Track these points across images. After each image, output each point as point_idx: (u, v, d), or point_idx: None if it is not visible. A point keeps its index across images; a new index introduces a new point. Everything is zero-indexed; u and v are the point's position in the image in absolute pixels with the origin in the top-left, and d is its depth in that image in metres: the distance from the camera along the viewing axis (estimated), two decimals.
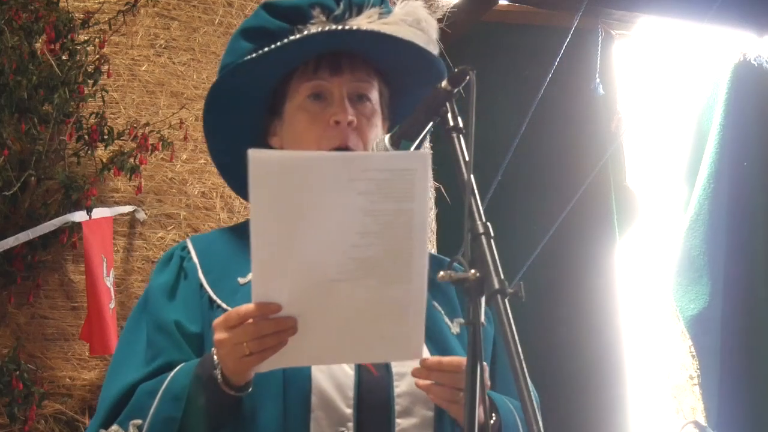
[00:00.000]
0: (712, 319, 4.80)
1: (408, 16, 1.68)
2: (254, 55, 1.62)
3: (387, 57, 1.67)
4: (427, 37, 1.69)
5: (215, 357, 1.44)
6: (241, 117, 1.66)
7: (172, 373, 1.51)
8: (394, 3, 1.74)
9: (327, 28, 1.62)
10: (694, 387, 4.77)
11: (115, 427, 1.51)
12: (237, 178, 1.75)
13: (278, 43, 1.61)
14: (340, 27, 1.62)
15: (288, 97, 1.66)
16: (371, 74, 1.66)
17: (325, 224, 1.32)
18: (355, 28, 1.62)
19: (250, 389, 1.47)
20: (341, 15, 1.66)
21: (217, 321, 1.41)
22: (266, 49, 1.62)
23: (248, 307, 1.36)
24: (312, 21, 1.64)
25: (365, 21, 1.66)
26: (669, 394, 4.83)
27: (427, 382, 1.46)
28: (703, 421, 4.71)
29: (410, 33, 1.66)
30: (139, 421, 1.49)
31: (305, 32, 1.64)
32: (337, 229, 1.32)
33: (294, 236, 1.32)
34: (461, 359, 1.44)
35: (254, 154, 1.29)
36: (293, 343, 1.38)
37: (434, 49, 1.70)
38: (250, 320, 1.36)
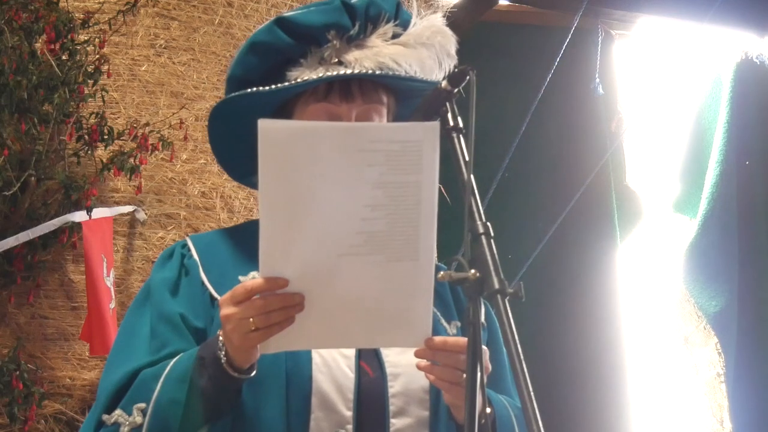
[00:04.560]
0: (731, 316, 4.82)
1: (422, 35, 1.67)
2: (268, 88, 1.60)
3: (396, 82, 1.66)
4: (444, 51, 1.68)
5: (220, 338, 1.44)
6: (245, 126, 1.65)
7: (175, 358, 1.51)
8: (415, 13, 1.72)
9: (342, 72, 1.60)
10: (722, 384, 4.78)
11: (118, 411, 1.50)
12: (241, 175, 1.75)
13: (293, 82, 1.60)
14: (350, 71, 1.60)
15: (295, 115, 1.65)
16: (380, 94, 1.65)
17: (335, 196, 1.31)
18: (366, 71, 1.60)
19: (253, 373, 1.46)
20: (356, 35, 1.64)
21: (224, 297, 1.41)
22: (280, 85, 1.60)
23: (255, 281, 1.36)
24: (326, 45, 1.63)
25: (380, 41, 1.65)
26: (698, 392, 4.85)
27: (428, 363, 1.46)
28: (728, 419, 4.72)
29: (422, 54, 1.65)
30: (143, 405, 1.48)
31: (317, 56, 1.62)
32: (346, 202, 1.31)
33: (303, 208, 1.31)
34: (465, 340, 1.44)
35: (263, 124, 1.28)
36: (300, 323, 1.37)
37: (451, 62, 1.69)
38: (257, 296, 1.36)
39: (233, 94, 1.64)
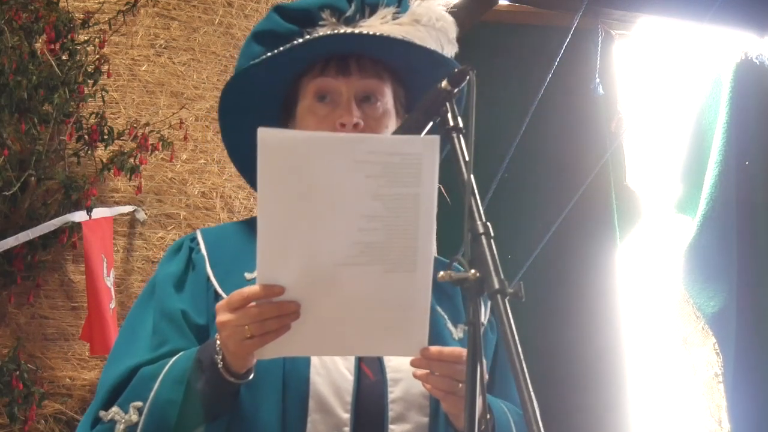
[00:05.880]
0: (730, 316, 4.82)
1: (422, 16, 1.67)
2: (258, 60, 1.63)
3: (396, 58, 1.66)
4: (445, 37, 1.68)
5: (218, 342, 1.44)
6: (257, 118, 1.66)
7: (174, 358, 1.51)
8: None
9: (329, 32, 1.62)
10: (719, 385, 4.77)
11: (115, 408, 1.50)
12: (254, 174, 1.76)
13: (281, 48, 1.62)
14: (339, 31, 1.62)
15: (299, 98, 1.66)
16: (382, 75, 1.65)
17: (333, 206, 1.31)
18: (356, 31, 1.62)
19: (251, 377, 1.46)
20: (352, 16, 1.65)
21: (220, 303, 1.41)
22: (269, 54, 1.62)
23: (252, 288, 1.36)
24: (321, 24, 1.64)
25: (378, 22, 1.65)
26: (696, 393, 4.84)
27: (425, 371, 1.45)
28: (726, 419, 4.72)
29: (421, 34, 1.65)
30: (140, 404, 1.49)
31: (313, 35, 1.64)
32: (344, 212, 1.32)
33: (301, 217, 1.32)
34: (462, 350, 1.44)
35: (263, 133, 1.29)
36: (296, 330, 1.37)
37: (452, 48, 1.69)
38: (253, 303, 1.36)
39: (231, 78, 1.66)
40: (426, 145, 1.31)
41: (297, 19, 1.66)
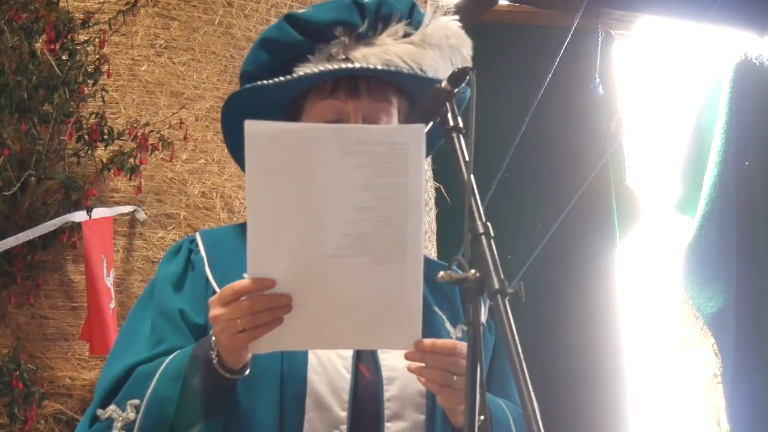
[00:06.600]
0: (729, 316, 4.82)
1: (433, 36, 1.67)
2: (269, 82, 1.63)
3: (404, 81, 1.66)
4: (458, 53, 1.68)
5: (212, 338, 1.45)
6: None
7: (171, 356, 1.52)
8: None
9: (335, 67, 1.61)
10: (718, 385, 4.78)
11: (112, 406, 1.51)
12: None
13: (294, 76, 1.62)
14: (352, 65, 1.61)
15: (305, 112, 1.66)
16: (389, 94, 1.65)
17: (322, 197, 1.32)
18: (363, 66, 1.61)
19: (246, 373, 1.47)
20: (365, 33, 1.65)
21: (212, 298, 1.42)
22: (281, 78, 1.62)
23: (242, 282, 1.37)
24: (334, 41, 1.64)
25: (390, 40, 1.65)
26: (694, 393, 4.85)
27: (419, 364, 1.45)
28: (725, 419, 4.73)
29: (432, 55, 1.65)
30: (137, 401, 1.49)
31: (325, 53, 1.63)
32: (333, 203, 1.32)
33: (290, 210, 1.32)
34: (455, 342, 1.44)
35: (250, 125, 1.29)
36: (288, 323, 1.37)
37: (465, 64, 1.68)
38: (245, 297, 1.36)
39: (236, 91, 1.66)
40: (412, 134, 1.31)
41: (309, 31, 1.65)
